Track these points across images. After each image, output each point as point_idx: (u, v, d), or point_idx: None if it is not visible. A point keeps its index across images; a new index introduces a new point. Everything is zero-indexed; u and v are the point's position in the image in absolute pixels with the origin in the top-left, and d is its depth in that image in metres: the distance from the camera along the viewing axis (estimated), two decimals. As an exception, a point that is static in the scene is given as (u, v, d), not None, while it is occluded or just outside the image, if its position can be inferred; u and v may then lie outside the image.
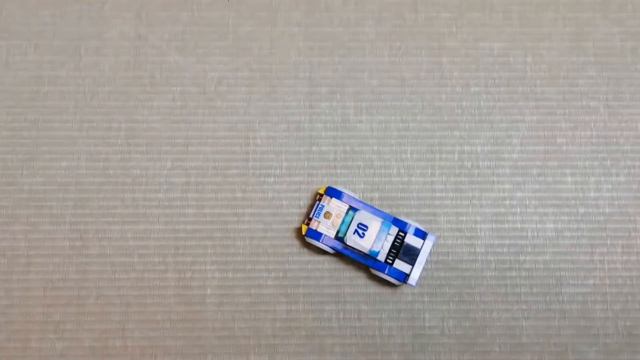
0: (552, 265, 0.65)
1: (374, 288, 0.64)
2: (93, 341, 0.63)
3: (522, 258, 0.65)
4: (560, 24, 0.69)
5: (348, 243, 0.62)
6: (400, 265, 0.62)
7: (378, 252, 0.61)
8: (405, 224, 0.62)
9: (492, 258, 0.65)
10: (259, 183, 0.65)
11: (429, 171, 0.66)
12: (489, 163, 0.66)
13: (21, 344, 0.63)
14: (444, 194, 0.66)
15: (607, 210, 0.66)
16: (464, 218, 0.65)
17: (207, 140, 0.66)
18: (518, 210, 0.66)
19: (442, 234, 0.65)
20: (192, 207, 0.65)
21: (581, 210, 0.66)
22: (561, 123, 0.67)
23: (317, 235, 0.62)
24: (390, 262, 0.62)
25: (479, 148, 0.66)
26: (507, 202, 0.66)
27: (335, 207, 0.63)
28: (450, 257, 0.65)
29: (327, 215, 0.62)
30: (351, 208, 0.63)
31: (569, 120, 0.67)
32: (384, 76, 0.67)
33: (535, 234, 0.65)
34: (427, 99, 0.67)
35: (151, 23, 0.68)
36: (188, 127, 0.66)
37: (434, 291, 0.64)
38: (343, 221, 0.62)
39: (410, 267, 0.61)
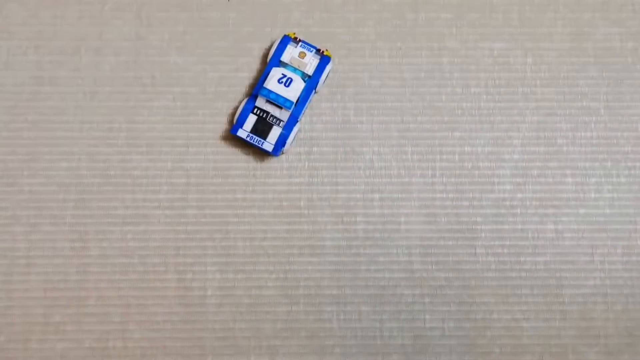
0: (553, 266, 0.65)
1: (374, 289, 0.64)
2: (93, 342, 0.63)
3: (522, 259, 0.65)
4: (560, 24, 0.69)
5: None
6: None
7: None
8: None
9: (492, 259, 0.65)
10: (259, 184, 0.65)
11: (430, 172, 0.66)
12: (489, 164, 0.66)
13: (21, 344, 0.63)
14: (444, 195, 0.66)
15: (607, 211, 0.66)
16: (465, 219, 0.65)
17: (208, 141, 0.66)
18: (518, 211, 0.66)
19: (442, 235, 0.65)
20: (192, 208, 0.65)
21: (581, 211, 0.66)
22: (561, 124, 0.67)
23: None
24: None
25: (479, 149, 0.66)
26: (508, 203, 0.66)
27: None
28: (450, 258, 0.65)
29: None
30: None
31: (569, 121, 0.67)
32: (385, 77, 0.67)
33: (536, 235, 0.65)
34: (427, 100, 0.67)
35: (151, 23, 0.68)
36: (188, 127, 0.66)
37: (435, 292, 0.64)
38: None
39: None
